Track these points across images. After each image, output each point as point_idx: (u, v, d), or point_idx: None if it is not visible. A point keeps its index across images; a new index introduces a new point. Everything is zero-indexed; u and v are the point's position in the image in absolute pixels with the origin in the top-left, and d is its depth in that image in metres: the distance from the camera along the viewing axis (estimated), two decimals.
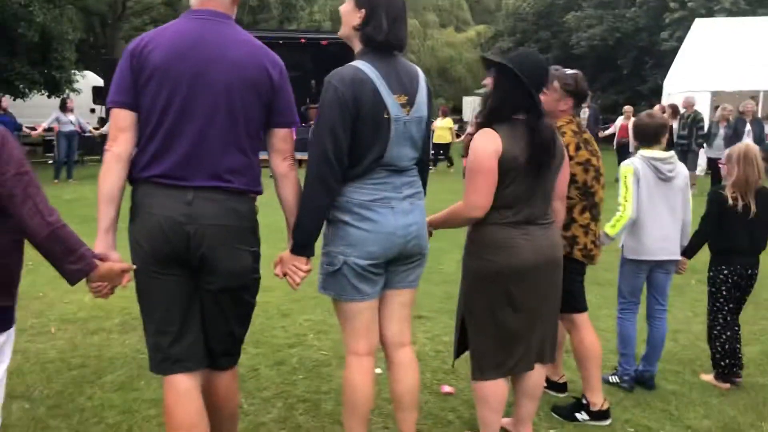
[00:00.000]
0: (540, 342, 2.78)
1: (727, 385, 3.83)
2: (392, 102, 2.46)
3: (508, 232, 2.63)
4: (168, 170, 2.27)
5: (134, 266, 2.34)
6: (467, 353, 2.90)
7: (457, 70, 37.79)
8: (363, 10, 2.48)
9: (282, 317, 4.88)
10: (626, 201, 3.58)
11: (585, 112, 14.64)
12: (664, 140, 3.70)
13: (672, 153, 3.67)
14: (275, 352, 4.24)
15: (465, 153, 2.57)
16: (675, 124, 12.79)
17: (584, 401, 3.35)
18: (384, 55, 2.50)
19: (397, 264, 2.60)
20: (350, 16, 2.52)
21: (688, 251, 3.82)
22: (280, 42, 16.27)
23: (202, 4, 2.36)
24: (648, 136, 3.69)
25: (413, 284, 2.71)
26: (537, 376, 2.86)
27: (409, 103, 2.51)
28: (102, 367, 3.96)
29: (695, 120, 12.68)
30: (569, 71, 3.30)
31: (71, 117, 14.29)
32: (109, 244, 2.29)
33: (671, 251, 3.67)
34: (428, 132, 2.66)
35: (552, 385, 3.65)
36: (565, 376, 3.71)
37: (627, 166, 3.66)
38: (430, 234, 2.88)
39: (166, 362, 2.37)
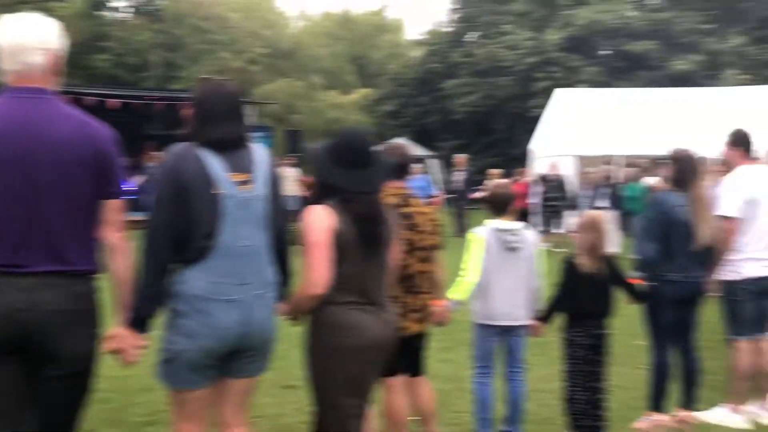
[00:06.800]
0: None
1: None
2: (224, 178, 2.46)
3: (347, 311, 2.66)
4: (3, 257, 2.20)
5: None
6: None
7: None
8: (193, 111, 2.56)
9: (142, 392, 4.66)
10: (468, 267, 3.78)
11: (461, 175, 15.24)
12: (513, 209, 3.91)
13: (520, 224, 3.88)
14: None
15: None
16: (541, 188, 13.61)
17: None
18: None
19: (237, 355, 2.58)
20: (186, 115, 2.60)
21: (544, 316, 3.99)
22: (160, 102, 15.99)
23: (20, 81, 2.30)
24: (497, 205, 3.90)
25: (255, 373, 2.69)
26: None
27: (250, 181, 2.52)
28: None
29: (560, 183, 13.55)
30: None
31: None
32: None
33: (516, 317, 3.83)
34: (277, 213, 2.61)
35: None
36: None
37: (474, 234, 3.87)
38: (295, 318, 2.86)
39: None
